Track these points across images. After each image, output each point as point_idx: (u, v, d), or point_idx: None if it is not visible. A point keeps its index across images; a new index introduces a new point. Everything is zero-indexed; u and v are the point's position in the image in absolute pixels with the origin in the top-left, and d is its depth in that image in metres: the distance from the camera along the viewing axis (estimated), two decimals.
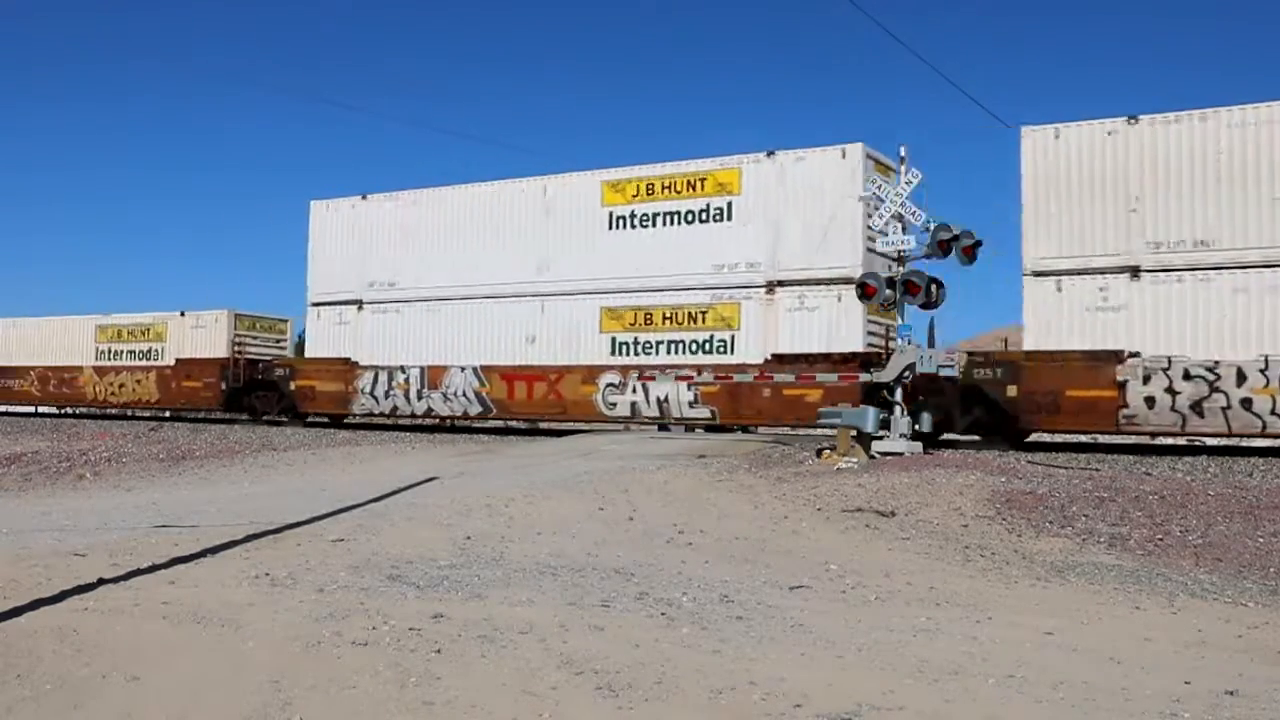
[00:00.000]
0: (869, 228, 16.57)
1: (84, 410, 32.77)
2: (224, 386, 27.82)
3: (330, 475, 15.25)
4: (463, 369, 21.49)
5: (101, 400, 31.22)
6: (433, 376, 21.85)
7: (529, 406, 21.10)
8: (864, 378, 16.94)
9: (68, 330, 32.36)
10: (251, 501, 12.02)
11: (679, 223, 19.43)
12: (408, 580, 7.19)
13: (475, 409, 21.60)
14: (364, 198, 23.37)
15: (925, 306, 15.46)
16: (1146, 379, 14.76)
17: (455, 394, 21.60)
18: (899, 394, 14.65)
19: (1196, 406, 14.49)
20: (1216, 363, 14.44)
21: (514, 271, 20.98)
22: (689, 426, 19.73)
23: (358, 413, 23.76)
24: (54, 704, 4.71)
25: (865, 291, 15.27)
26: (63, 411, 33.74)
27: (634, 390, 19.52)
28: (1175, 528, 9.57)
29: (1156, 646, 6.06)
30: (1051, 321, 15.56)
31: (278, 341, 30.68)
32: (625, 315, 19.84)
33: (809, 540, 9.67)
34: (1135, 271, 15.10)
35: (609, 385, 19.78)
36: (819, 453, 14.43)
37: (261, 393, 26.91)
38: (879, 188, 15.55)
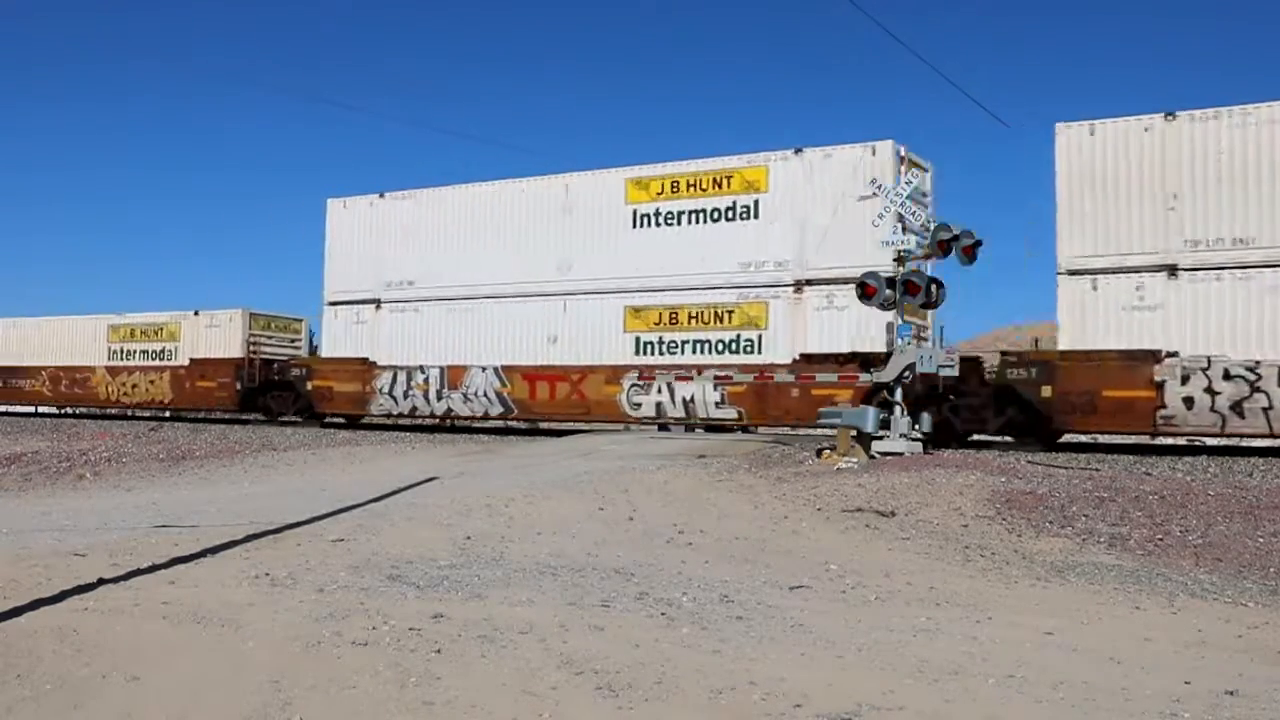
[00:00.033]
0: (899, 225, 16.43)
1: (83, 411, 32.73)
2: (239, 387, 27.61)
3: (330, 475, 15.25)
4: (483, 369, 21.29)
5: (114, 400, 30.93)
6: (453, 377, 21.65)
7: (551, 407, 20.88)
8: (864, 378, 16.94)
9: (79, 330, 32.07)
10: (251, 501, 12.02)
11: (705, 221, 19.21)
12: (408, 580, 7.19)
13: (496, 409, 21.43)
14: (381, 196, 23.09)
15: (925, 306, 15.47)
16: (1185, 379, 14.50)
17: (476, 394, 21.40)
18: (899, 394, 14.65)
19: (1237, 407, 14.23)
20: (1258, 362, 14.17)
21: (535, 270, 20.72)
22: (716, 427, 19.47)
23: (376, 413, 23.53)
24: (54, 704, 4.71)
25: (865, 291, 15.26)
26: (62, 411, 33.67)
27: (659, 390, 19.33)
28: (1175, 528, 9.57)
29: (1156, 646, 6.06)
30: (1087, 320, 15.29)
31: (292, 341, 30.32)
32: (650, 314, 19.62)
33: (809, 540, 9.67)
34: (1173, 270, 14.83)
35: (633, 385, 19.59)
36: (819, 453, 14.43)
37: (277, 393, 26.75)
38: (878, 186, 15.53)
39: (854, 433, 14.11)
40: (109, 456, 18.32)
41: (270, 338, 29.39)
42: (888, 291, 15.01)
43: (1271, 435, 14.61)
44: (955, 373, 15.48)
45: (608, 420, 20.50)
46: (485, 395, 21.31)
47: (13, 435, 22.39)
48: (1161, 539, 9.32)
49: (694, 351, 19.10)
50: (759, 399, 18.30)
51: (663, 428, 20.09)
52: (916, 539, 9.63)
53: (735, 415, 18.75)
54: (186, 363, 29.22)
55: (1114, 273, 15.24)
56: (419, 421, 24.41)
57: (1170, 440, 16.88)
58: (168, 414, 31.21)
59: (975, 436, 17.07)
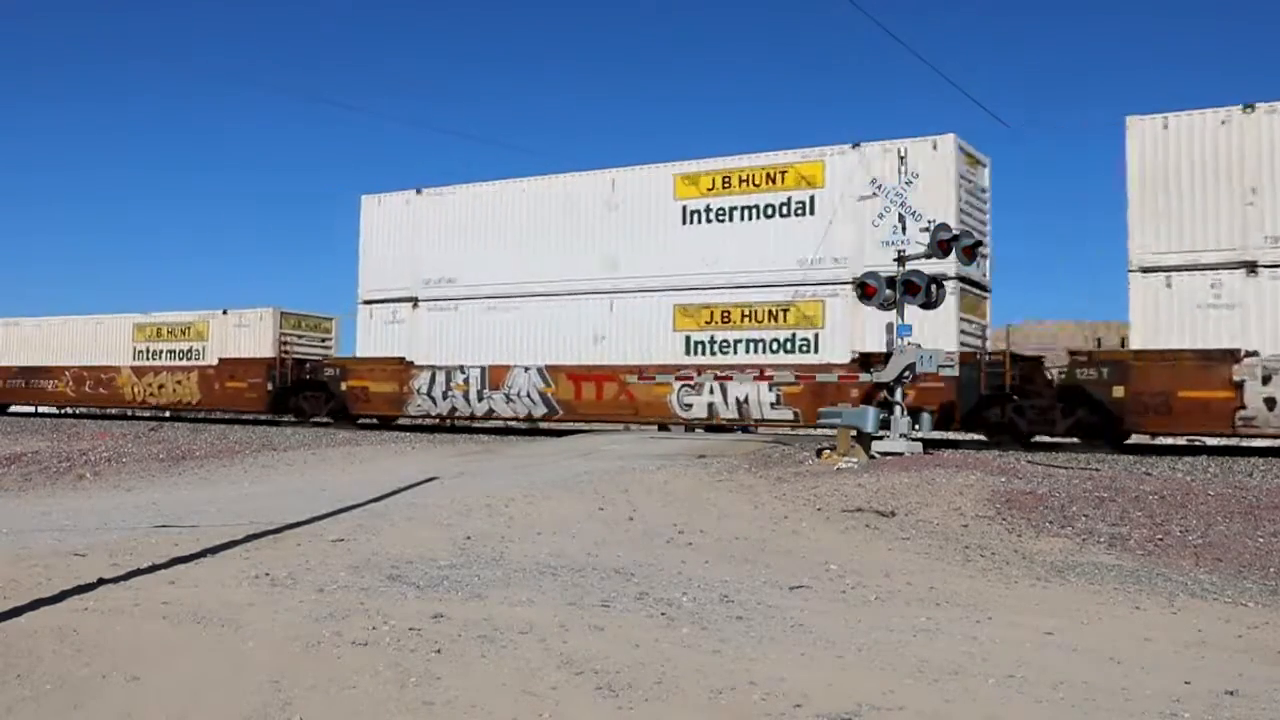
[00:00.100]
0: (961, 221, 16.21)
1: (84, 411, 32.68)
2: (270, 387, 26.76)
3: (330, 475, 15.25)
4: (526, 369, 20.79)
5: (140, 401, 30.17)
6: (494, 377, 21.15)
7: (598, 408, 20.31)
8: (864, 378, 16.94)
9: (103, 329, 31.18)
10: (251, 501, 12.02)
11: (758, 217, 18.69)
12: (408, 580, 7.19)
13: (540, 410, 20.91)
14: (418, 192, 22.65)
15: (925, 306, 15.48)
16: (1266, 379, 14.11)
17: (519, 395, 20.89)
18: (899, 394, 14.65)
19: None
20: None
21: (579, 268, 20.26)
22: (764, 429, 19.07)
23: (413, 414, 23.01)
24: (54, 704, 4.71)
25: (865, 292, 15.27)
26: (62, 411, 33.57)
27: (711, 391, 18.89)
28: (1175, 528, 9.57)
29: (1156, 646, 6.05)
30: (1160, 319, 14.92)
31: (323, 340, 29.53)
32: (700, 313, 19.15)
33: (809, 540, 9.67)
34: (1252, 267, 14.43)
35: (684, 386, 19.12)
36: (819, 453, 14.44)
37: (310, 393, 26.12)
38: (879, 186, 15.53)
39: (854, 433, 14.12)
40: (109, 456, 18.31)
41: (301, 337, 28.59)
42: (887, 291, 15.02)
43: None
44: (955, 373, 15.47)
45: (657, 421, 20.07)
46: (529, 396, 20.83)
47: (13, 435, 22.38)
48: (1161, 539, 9.32)
49: (747, 351, 18.63)
50: (816, 400, 17.59)
51: (715, 429, 19.61)
52: (916, 539, 9.63)
53: (791, 416, 18.32)
54: (215, 363, 28.41)
55: (1188, 270, 14.82)
56: (458, 423, 23.85)
57: (1252, 443, 16.42)
58: (200, 414, 30.47)
59: (1039, 438, 16.66)
